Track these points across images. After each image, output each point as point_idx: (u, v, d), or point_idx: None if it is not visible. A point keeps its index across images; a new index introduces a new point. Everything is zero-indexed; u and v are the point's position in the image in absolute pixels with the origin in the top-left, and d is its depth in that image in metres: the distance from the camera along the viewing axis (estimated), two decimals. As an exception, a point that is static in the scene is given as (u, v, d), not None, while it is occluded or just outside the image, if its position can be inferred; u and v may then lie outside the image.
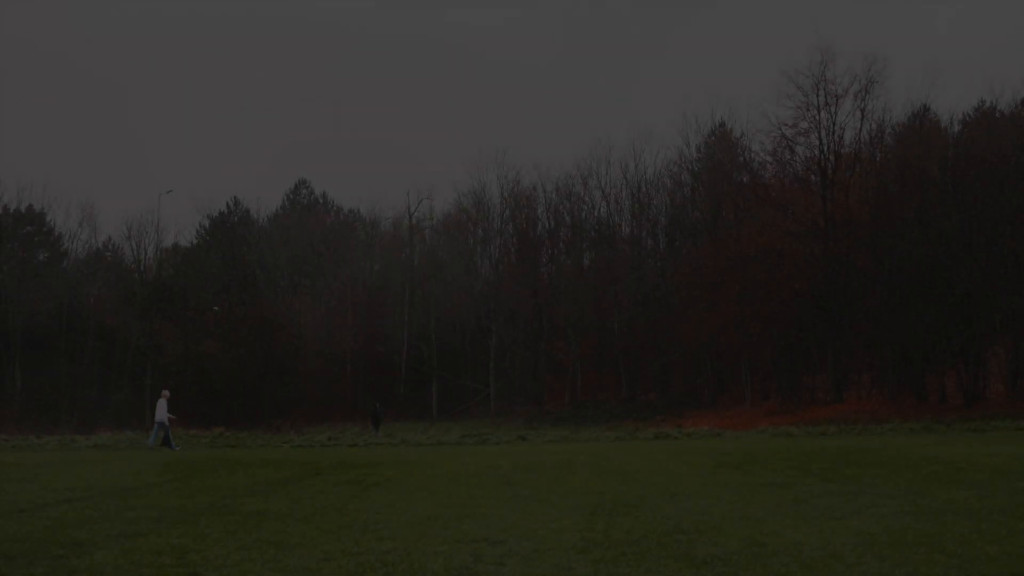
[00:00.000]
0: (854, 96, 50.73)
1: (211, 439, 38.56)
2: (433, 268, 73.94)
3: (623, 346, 63.32)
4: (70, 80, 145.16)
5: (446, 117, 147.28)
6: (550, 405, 62.38)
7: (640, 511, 11.65)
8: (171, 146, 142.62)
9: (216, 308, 70.77)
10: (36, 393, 62.93)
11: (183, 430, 43.52)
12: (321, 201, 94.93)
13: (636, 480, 15.43)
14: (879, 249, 46.91)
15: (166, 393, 32.01)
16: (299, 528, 10.70)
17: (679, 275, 60.39)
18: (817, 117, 50.72)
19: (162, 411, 30.67)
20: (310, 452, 28.22)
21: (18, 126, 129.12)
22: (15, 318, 62.54)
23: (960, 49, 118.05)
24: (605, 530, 10.09)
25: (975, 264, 42.79)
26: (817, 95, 50.52)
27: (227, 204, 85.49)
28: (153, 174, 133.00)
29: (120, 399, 64.76)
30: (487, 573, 8.01)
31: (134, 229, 72.75)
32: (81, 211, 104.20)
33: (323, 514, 11.95)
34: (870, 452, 20.56)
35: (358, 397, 63.72)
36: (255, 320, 68.34)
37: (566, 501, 12.85)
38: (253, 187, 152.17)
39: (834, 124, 50.74)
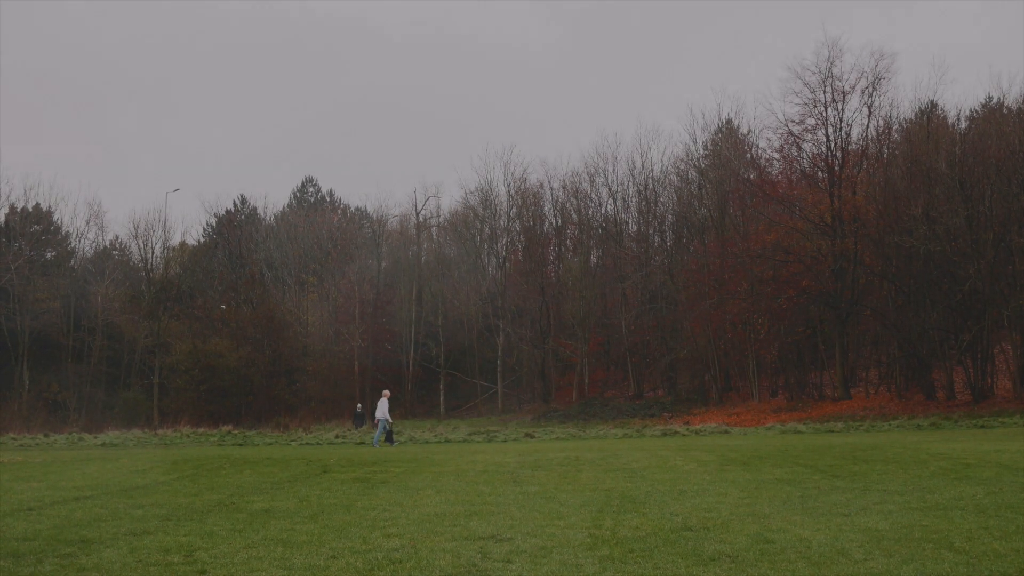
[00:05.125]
0: (861, 92, 50.67)
1: (219, 437, 38.66)
2: (440, 266, 73.98)
3: (631, 343, 63.24)
4: (76, 79, 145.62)
5: (453, 114, 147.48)
6: (557, 403, 62.31)
7: (648, 508, 11.65)
8: (177, 144, 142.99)
9: (223, 306, 70.85)
10: (44, 392, 63.11)
11: (190, 429, 43.68)
12: (328, 199, 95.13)
13: (644, 477, 15.43)
14: (886, 246, 46.82)
15: (387, 392, 32.74)
16: (306, 526, 10.72)
17: (686, 272, 60.32)
18: (824, 114, 50.63)
19: (383, 409, 31.28)
20: (317, 450, 28.27)
21: (24, 124, 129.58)
22: (23, 317, 62.68)
23: (967, 45, 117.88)
24: (613, 527, 10.09)
25: (983, 261, 42.68)
26: (824, 92, 50.44)
27: (234, 202, 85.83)
28: (160, 173, 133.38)
29: (128, 398, 64.97)
30: (494, 570, 8.02)
31: (141, 228, 72.84)
32: (88, 210, 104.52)
33: (330, 512, 11.97)
34: (877, 448, 20.53)
35: (366, 395, 63.77)
36: (262, 318, 68.43)
37: (574, 498, 12.86)
38: (260, 185, 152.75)
39: (841, 121, 50.63)
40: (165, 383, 65.62)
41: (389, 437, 31.33)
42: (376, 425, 31.53)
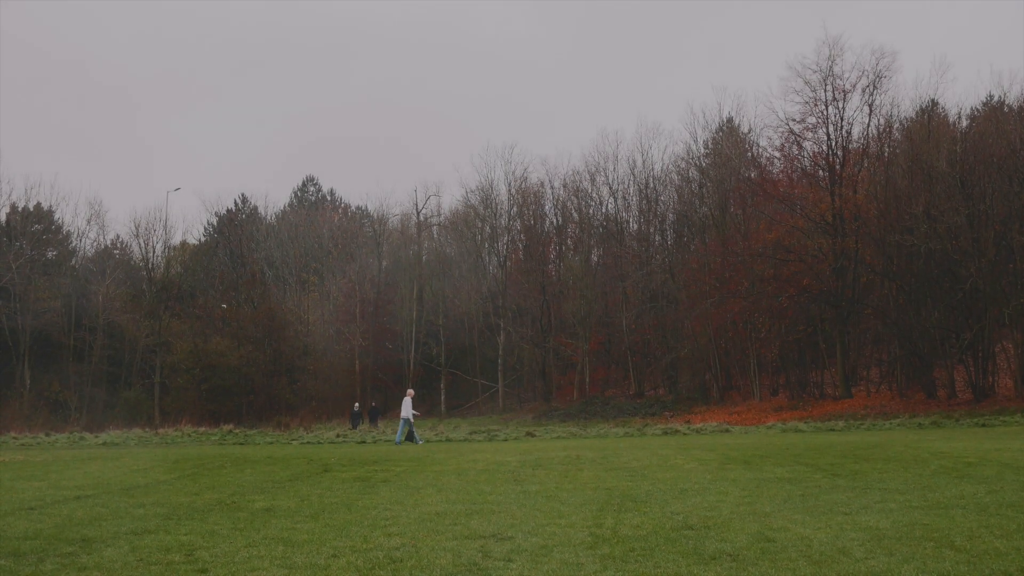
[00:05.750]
0: (862, 91, 50.60)
1: (220, 436, 38.68)
2: (441, 265, 73.99)
3: (631, 342, 63.22)
4: (78, 78, 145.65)
5: (454, 113, 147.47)
6: (558, 401, 62.31)
7: (648, 507, 11.64)
8: (179, 143, 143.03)
9: (224, 306, 70.88)
10: (45, 391, 63.13)
11: (192, 428, 43.70)
12: (329, 198, 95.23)
13: (644, 476, 15.42)
14: (887, 244, 46.81)
15: (411, 391, 33.16)
16: (307, 525, 10.72)
17: (687, 271, 60.29)
18: (825, 112, 50.56)
19: (407, 408, 31.65)
20: (318, 449, 28.27)
21: (26, 124, 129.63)
22: (24, 316, 62.69)
23: (968, 43, 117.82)
24: (613, 526, 10.09)
25: (983, 259, 42.68)
26: (825, 90, 50.38)
27: (235, 201, 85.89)
28: (161, 172, 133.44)
29: (129, 397, 65.00)
30: (495, 569, 8.02)
31: (142, 227, 72.94)
32: (89, 209, 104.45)
33: (331, 511, 11.97)
34: (878, 447, 20.53)
35: (367, 394, 63.83)
36: (263, 318, 68.46)
37: (574, 497, 12.85)
38: (261, 184, 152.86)
39: (842, 119, 50.56)
40: (166, 382, 65.70)
41: (411, 436, 31.53)
42: (401, 422, 31.79)
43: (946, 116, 55.04)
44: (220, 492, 14.40)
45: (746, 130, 65.81)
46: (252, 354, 66.14)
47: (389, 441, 33.86)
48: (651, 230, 68.23)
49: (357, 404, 52.26)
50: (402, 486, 14.81)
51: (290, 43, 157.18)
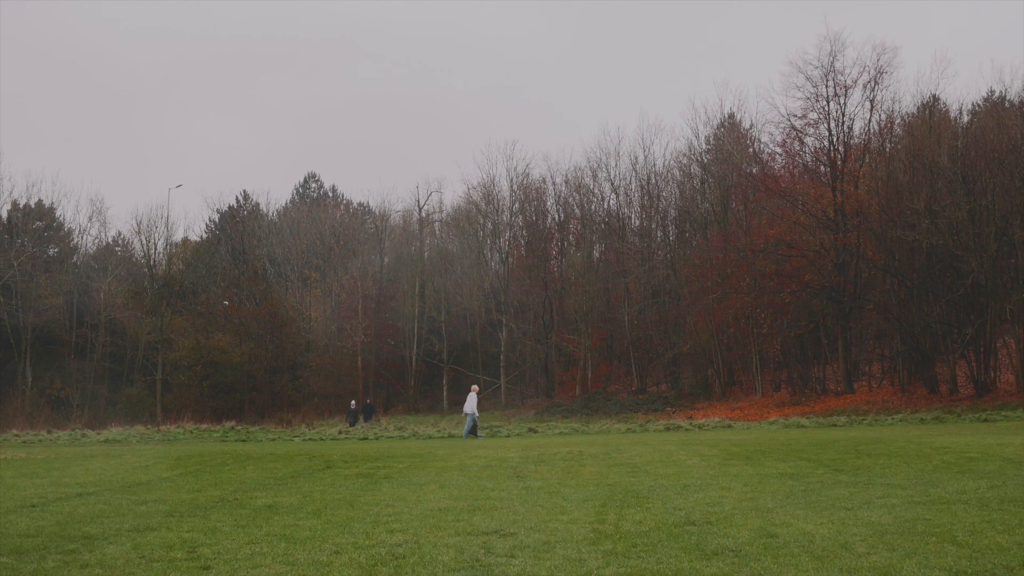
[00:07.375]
0: (863, 86, 50.52)
1: (222, 433, 38.70)
2: (443, 261, 73.98)
3: (633, 338, 63.17)
4: (79, 75, 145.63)
5: (455, 109, 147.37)
6: (561, 397, 62.30)
7: (651, 503, 11.65)
8: (180, 141, 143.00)
9: (226, 302, 70.89)
10: (47, 388, 63.18)
11: (193, 425, 43.75)
12: (331, 194, 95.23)
13: (647, 472, 15.42)
14: (889, 240, 46.77)
15: (476, 388, 33.29)
16: (310, 522, 10.73)
17: (689, 267, 60.25)
18: (826, 108, 50.50)
19: (472, 404, 31.89)
20: (320, 446, 28.29)
21: (28, 121, 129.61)
22: (25, 313, 62.69)
23: (969, 38, 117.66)
24: (616, 522, 10.09)
25: (985, 254, 42.65)
26: (826, 86, 50.32)
27: (236, 198, 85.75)
28: (162, 168, 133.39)
29: (131, 394, 65.03)
30: (497, 565, 8.02)
31: (144, 224, 73.00)
32: (91, 206, 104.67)
33: (334, 507, 11.98)
34: (880, 443, 20.51)
35: (369, 391, 63.85)
36: (265, 314, 68.46)
37: (577, 493, 12.86)
38: (262, 181, 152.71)
39: (843, 115, 50.48)
40: (168, 379, 65.72)
41: (474, 431, 31.68)
42: (467, 417, 32.02)
43: (947, 111, 55.02)
44: (222, 489, 14.41)
45: (748, 126, 65.82)
46: (254, 351, 66.16)
47: (391, 438, 33.89)
48: (653, 226, 68.22)
49: (354, 402, 52.28)
50: (404, 482, 14.81)
51: (291, 39, 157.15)
